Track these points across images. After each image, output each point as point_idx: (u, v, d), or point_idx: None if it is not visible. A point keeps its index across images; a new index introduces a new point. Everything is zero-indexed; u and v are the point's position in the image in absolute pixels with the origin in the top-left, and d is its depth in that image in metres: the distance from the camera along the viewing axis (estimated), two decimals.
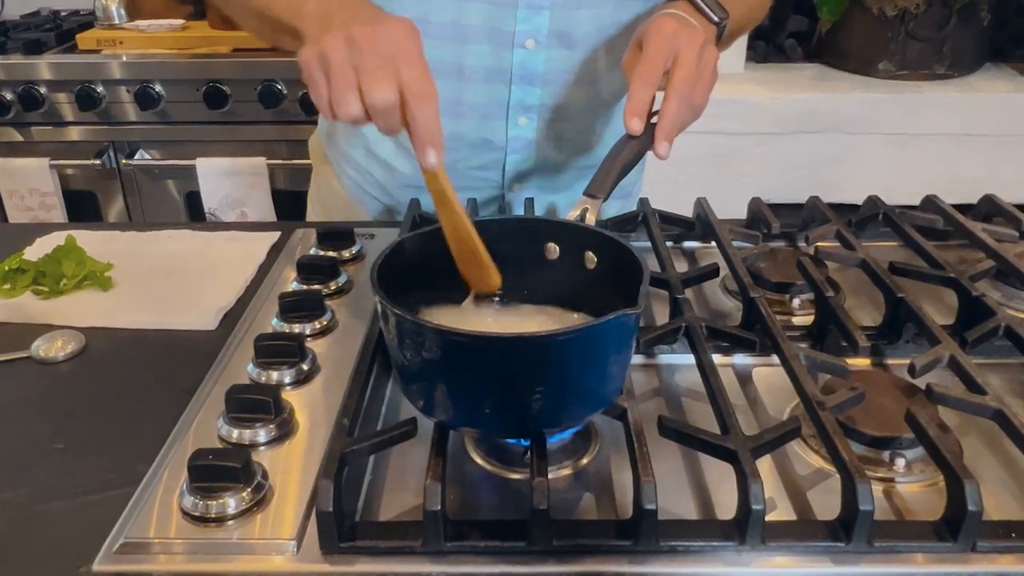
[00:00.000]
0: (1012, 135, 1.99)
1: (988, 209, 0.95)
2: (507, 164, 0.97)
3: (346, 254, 0.87)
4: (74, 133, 2.02)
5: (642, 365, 0.71)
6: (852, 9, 2.02)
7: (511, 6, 0.85)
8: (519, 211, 0.97)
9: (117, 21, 2.12)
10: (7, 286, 0.84)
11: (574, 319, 0.64)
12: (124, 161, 2.03)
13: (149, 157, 2.04)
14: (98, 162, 2.01)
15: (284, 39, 0.72)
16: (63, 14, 2.38)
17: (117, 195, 2.09)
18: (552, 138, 0.96)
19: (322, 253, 0.86)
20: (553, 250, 0.65)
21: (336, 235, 0.88)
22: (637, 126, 0.72)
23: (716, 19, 0.81)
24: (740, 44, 2.16)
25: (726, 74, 2.14)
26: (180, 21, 2.11)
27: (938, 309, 0.79)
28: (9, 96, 1.96)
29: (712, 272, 0.79)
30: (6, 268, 0.85)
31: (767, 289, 0.79)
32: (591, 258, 0.63)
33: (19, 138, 2.02)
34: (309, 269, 0.80)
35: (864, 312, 0.80)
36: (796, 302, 0.79)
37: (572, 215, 0.66)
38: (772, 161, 2.08)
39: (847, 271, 0.83)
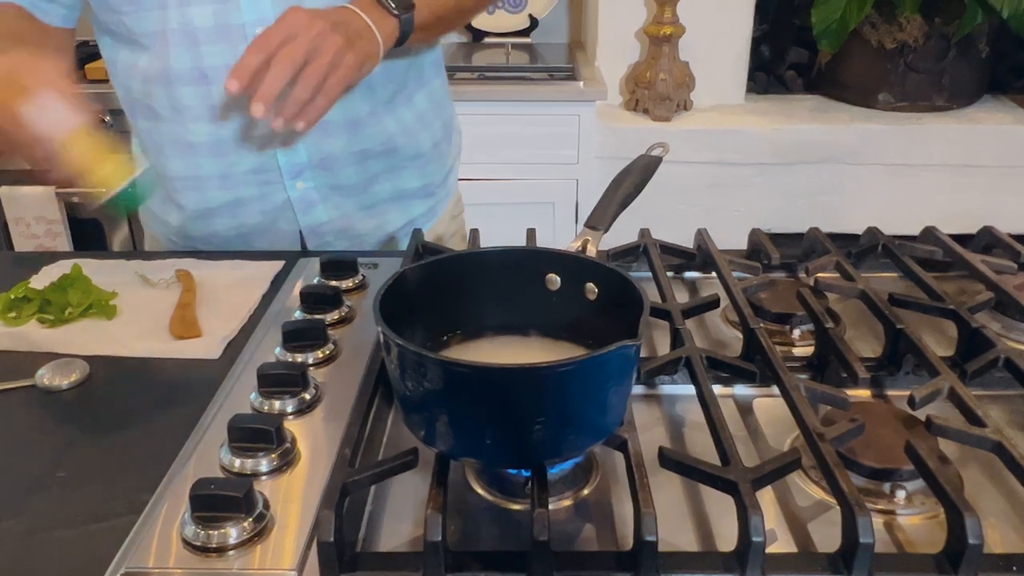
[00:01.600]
0: (1011, 166, 2.01)
1: (987, 240, 0.96)
2: (280, 160, 1.01)
3: (349, 283, 0.87)
4: None
5: (643, 395, 0.71)
6: (851, 42, 2.04)
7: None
8: (312, 216, 1.05)
9: None
10: (12, 314, 0.84)
11: (576, 351, 0.64)
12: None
13: None
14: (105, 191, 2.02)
15: None
16: None
17: (122, 223, 2.10)
18: (319, 126, 0.91)
19: (325, 282, 0.87)
20: (554, 281, 0.65)
21: (339, 265, 0.89)
22: (234, 87, 0.76)
23: (395, 12, 0.87)
24: (741, 75, 2.18)
25: (727, 105, 2.17)
26: None
27: (938, 340, 0.80)
28: None
29: (712, 303, 0.79)
30: (12, 296, 0.86)
31: (767, 320, 0.79)
32: (592, 289, 0.63)
33: (26, 166, 2.03)
34: (312, 298, 0.81)
35: (864, 343, 0.80)
36: (796, 333, 0.79)
37: (573, 246, 0.67)
38: (772, 191, 2.10)
39: (847, 302, 0.84)
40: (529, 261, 0.66)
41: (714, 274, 0.88)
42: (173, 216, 1.08)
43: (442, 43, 1.14)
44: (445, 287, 0.65)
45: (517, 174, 2.02)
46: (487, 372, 0.52)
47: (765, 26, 2.27)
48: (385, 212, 1.10)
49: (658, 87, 2.04)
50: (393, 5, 0.87)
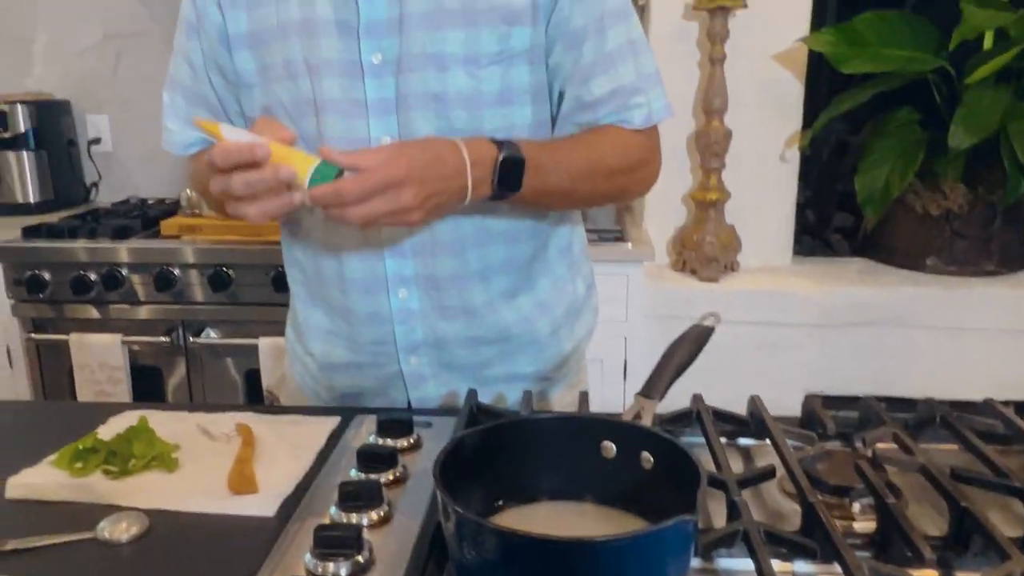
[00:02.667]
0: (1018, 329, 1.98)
1: None
2: (397, 335, 1.04)
3: (404, 443, 0.89)
4: (147, 312, 2.13)
5: (700, 570, 0.70)
6: (896, 207, 2.09)
7: None
8: (422, 390, 1.08)
9: (199, 210, 2.29)
10: (79, 464, 0.87)
11: (631, 520, 0.64)
12: (191, 339, 2.12)
13: (215, 336, 2.13)
14: (167, 339, 2.11)
15: None
16: (150, 202, 2.58)
17: (180, 371, 2.17)
18: (434, 308, 1.03)
19: (381, 442, 0.88)
20: (609, 448, 0.66)
21: (395, 424, 0.90)
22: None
23: (494, 188, 0.89)
24: (787, 238, 2.23)
25: (773, 266, 2.20)
26: None
27: (1006, 518, 0.77)
28: (93, 277, 2.10)
29: (768, 473, 0.78)
30: (80, 447, 0.89)
31: (825, 492, 0.78)
32: (647, 458, 0.64)
33: (96, 315, 2.13)
34: (369, 458, 0.82)
35: (928, 519, 0.78)
36: (856, 507, 0.78)
37: (628, 414, 0.68)
38: (822, 353, 2.08)
39: (908, 474, 0.82)
40: (585, 428, 0.67)
41: (768, 441, 0.87)
42: (308, 361, 1.15)
43: (580, 226, 1.18)
44: (502, 452, 0.66)
45: None
46: (546, 544, 0.52)
47: (809, 192, 2.34)
48: (494, 391, 1.09)
49: (705, 249, 2.09)
50: (498, 182, 0.89)
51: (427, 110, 0.95)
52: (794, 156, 2.15)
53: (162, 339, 2.11)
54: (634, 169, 1.04)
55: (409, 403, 1.10)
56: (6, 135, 2.45)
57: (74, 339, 2.10)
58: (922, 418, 0.93)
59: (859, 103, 1.97)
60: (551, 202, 1.02)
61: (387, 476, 0.81)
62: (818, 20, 2.11)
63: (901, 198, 2.08)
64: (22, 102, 2.47)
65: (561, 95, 1.00)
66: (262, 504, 0.81)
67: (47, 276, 2.11)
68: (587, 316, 1.18)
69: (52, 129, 2.56)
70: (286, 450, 0.92)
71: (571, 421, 0.66)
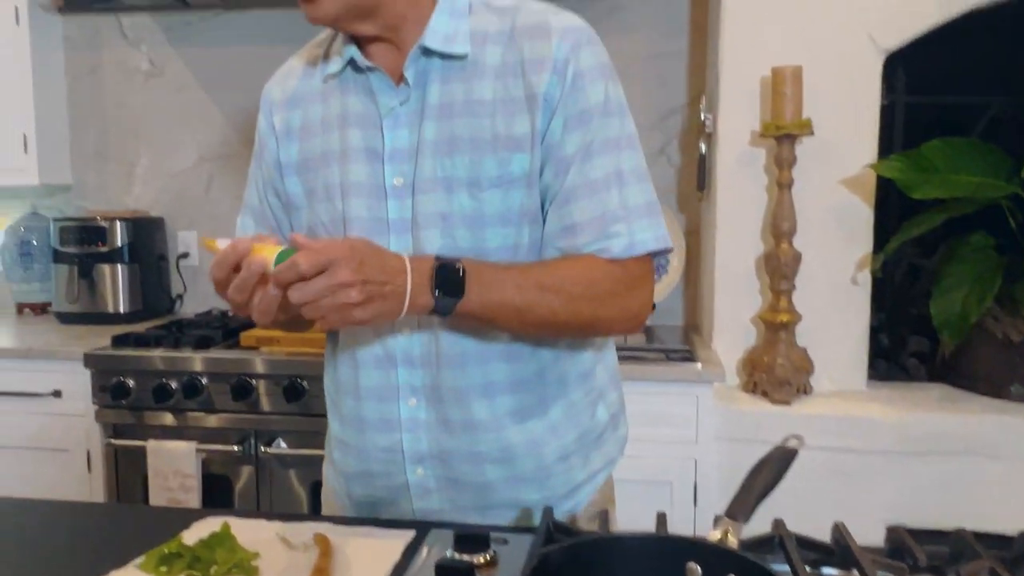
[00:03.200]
0: None
1: None
2: (404, 444, 1.08)
3: (481, 559, 0.88)
4: (222, 420, 2.18)
5: None
6: (975, 333, 2.04)
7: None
8: (427, 501, 1.09)
9: None
10: (164, 569, 0.89)
11: None
12: (263, 449, 2.15)
13: (285, 446, 2.16)
14: (239, 448, 2.15)
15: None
16: (230, 314, 2.68)
17: (249, 480, 2.19)
18: (439, 419, 1.07)
19: (458, 556, 0.88)
20: (695, 571, 0.65)
21: (472, 539, 0.90)
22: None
23: (435, 295, 0.93)
24: (861, 361, 2.19)
25: (848, 391, 2.15)
26: None
27: None
28: (174, 385, 2.17)
29: None
30: (165, 551, 0.91)
31: None
32: None
33: (174, 423, 2.19)
34: (447, 572, 0.82)
35: None
36: None
37: (713, 536, 0.67)
38: (903, 482, 2.01)
39: None
40: (670, 548, 0.66)
41: (856, 572, 0.84)
42: (331, 471, 1.21)
43: (608, 352, 1.18)
44: (584, 571, 0.65)
45: (634, 451, 2.01)
46: None
47: (883, 315, 2.31)
48: (500, 517, 1.09)
49: (776, 371, 2.07)
50: (438, 289, 0.93)
51: (436, 228, 1.02)
52: (865, 279, 2.14)
53: (235, 448, 2.15)
54: (602, 299, 1.01)
55: (414, 515, 1.11)
56: (104, 249, 2.61)
57: (151, 445, 2.16)
58: (1020, 553, 0.89)
59: (931, 228, 1.97)
60: (504, 320, 1.00)
61: None
62: (885, 146, 2.15)
63: (980, 323, 2.03)
64: (121, 219, 2.64)
65: (545, 216, 1.04)
66: None
67: (131, 383, 2.20)
68: (610, 447, 1.16)
69: (145, 244, 2.72)
70: (363, 562, 0.92)
71: (656, 541, 0.65)
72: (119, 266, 2.63)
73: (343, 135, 1.06)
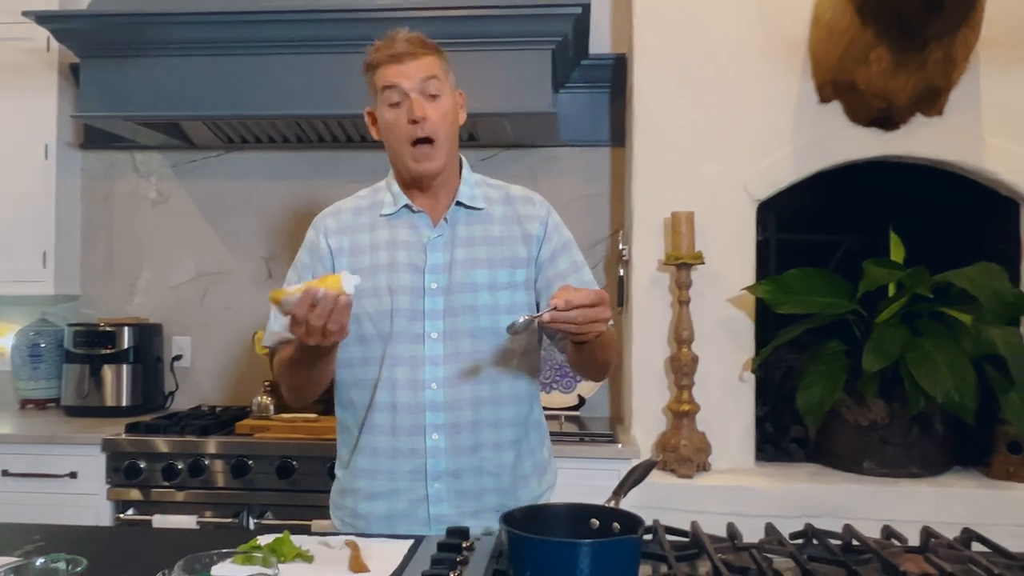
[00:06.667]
0: (977, 524, 2.40)
1: None
2: (428, 466, 1.55)
3: (466, 543, 1.33)
4: (220, 496, 2.56)
5: None
6: (835, 419, 2.59)
7: (420, 365, 1.54)
8: (440, 508, 1.57)
9: (268, 413, 2.80)
10: (256, 554, 1.31)
11: None
12: (255, 520, 2.54)
13: (272, 517, 2.55)
14: (234, 520, 2.53)
15: (306, 367, 1.49)
16: (218, 409, 3.08)
17: None
18: (456, 447, 1.55)
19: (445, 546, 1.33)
20: (594, 524, 1.13)
21: (455, 534, 1.35)
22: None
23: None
24: (749, 444, 2.71)
25: (740, 468, 2.66)
26: (314, 415, 2.77)
27: None
28: (180, 465, 2.56)
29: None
30: (247, 549, 1.34)
31: None
32: (616, 528, 1.11)
33: (179, 499, 2.57)
34: (444, 549, 1.27)
35: None
36: None
37: (607, 503, 1.16)
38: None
39: None
40: (580, 512, 1.15)
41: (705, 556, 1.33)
42: (348, 499, 1.62)
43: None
44: (533, 525, 1.12)
45: None
46: (548, 543, 0.98)
47: (766, 407, 2.85)
48: (490, 520, 1.56)
49: (681, 451, 2.57)
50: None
51: (464, 315, 1.56)
52: (750, 377, 2.69)
53: (231, 520, 2.53)
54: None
55: (429, 520, 1.56)
56: (111, 351, 3.02)
57: (157, 520, 2.52)
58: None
59: (794, 336, 2.54)
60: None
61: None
62: (762, 272, 2.74)
63: (839, 412, 2.59)
64: (129, 325, 3.06)
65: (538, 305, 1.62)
66: None
67: (142, 464, 2.58)
68: (550, 476, 1.72)
69: (146, 347, 3.13)
70: (383, 554, 1.37)
71: (572, 507, 1.13)
72: (124, 366, 3.04)
73: (392, 254, 1.59)
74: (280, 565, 1.30)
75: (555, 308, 1.29)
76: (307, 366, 1.51)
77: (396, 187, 1.63)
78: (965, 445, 2.68)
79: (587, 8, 2.61)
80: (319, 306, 1.32)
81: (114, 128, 3.00)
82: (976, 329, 2.39)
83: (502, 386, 1.58)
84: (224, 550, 1.06)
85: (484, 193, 1.65)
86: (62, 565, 1.13)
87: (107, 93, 2.73)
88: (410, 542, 1.44)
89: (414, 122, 1.52)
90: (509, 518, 1.08)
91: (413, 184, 1.62)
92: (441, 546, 1.34)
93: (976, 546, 1.40)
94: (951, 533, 1.48)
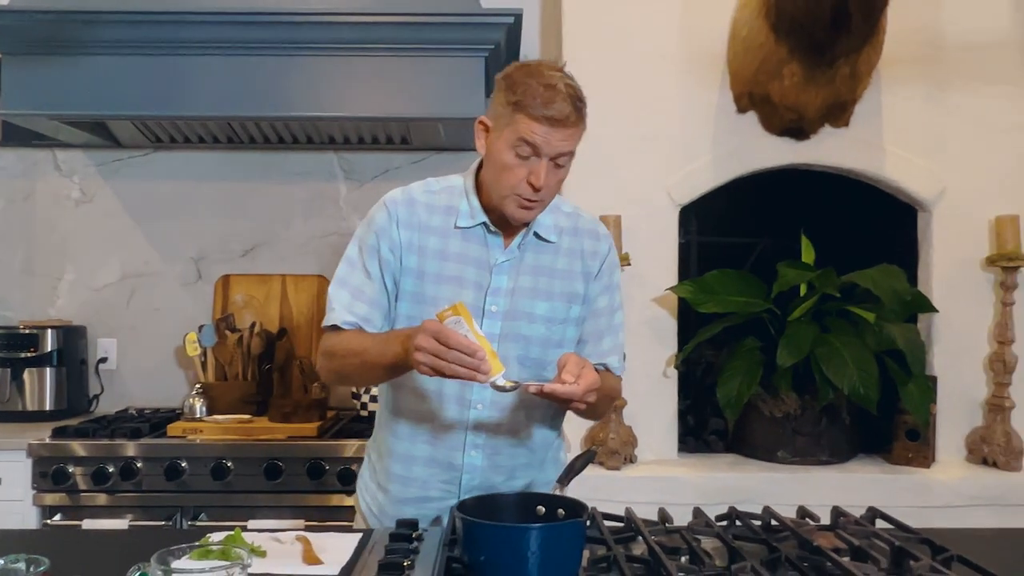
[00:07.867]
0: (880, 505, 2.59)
1: None
2: (463, 480, 1.61)
3: (415, 533, 1.40)
4: (153, 499, 2.55)
5: None
6: (751, 412, 2.75)
7: (470, 384, 1.52)
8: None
9: (199, 415, 2.79)
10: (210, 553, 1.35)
11: None
12: (188, 522, 2.53)
13: (207, 519, 2.55)
14: (168, 523, 2.52)
15: (382, 372, 1.52)
16: (146, 411, 3.05)
17: None
18: (491, 465, 1.60)
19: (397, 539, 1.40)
20: (540, 510, 1.22)
21: (406, 526, 1.42)
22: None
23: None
24: (672, 436, 2.84)
25: (664, 460, 2.80)
26: (247, 416, 2.78)
27: None
28: (111, 469, 2.53)
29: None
30: (201, 548, 1.37)
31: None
32: (561, 513, 1.20)
33: (110, 503, 2.54)
34: (395, 539, 1.34)
35: None
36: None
37: (553, 491, 1.24)
38: None
39: None
40: (526, 500, 1.23)
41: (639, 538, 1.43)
42: (380, 497, 1.67)
43: None
44: (486, 512, 1.20)
45: None
46: (500, 528, 1.06)
47: (688, 401, 3.00)
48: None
49: (609, 444, 2.68)
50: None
51: (516, 343, 1.59)
52: (673, 373, 2.83)
53: (165, 523, 2.52)
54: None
55: None
56: (34, 354, 2.95)
57: (86, 524, 2.49)
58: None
59: (714, 334, 2.69)
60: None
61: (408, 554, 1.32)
62: (684, 273, 2.88)
63: (755, 405, 2.75)
64: (51, 327, 3.00)
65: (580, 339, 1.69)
66: (328, 569, 1.31)
67: (70, 469, 2.54)
68: (562, 454, 1.81)
69: (70, 350, 3.06)
70: (332, 548, 1.42)
71: (520, 495, 1.22)
72: (48, 369, 2.97)
73: (460, 267, 1.58)
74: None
75: (542, 391, 1.39)
76: (386, 372, 1.53)
77: (476, 201, 1.60)
78: (869, 434, 2.88)
79: (519, 18, 2.70)
80: (458, 361, 1.34)
81: (36, 126, 2.93)
82: (878, 326, 2.59)
83: (539, 413, 1.64)
84: (193, 543, 1.10)
85: (555, 221, 1.64)
86: (22, 566, 1.15)
87: (31, 90, 2.67)
88: (359, 535, 1.50)
89: (532, 185, 1.49)
90: (463, 507, 1.16)
91: (498, 210, 1.58)
92: (393, 536, 1.40)
93: (880, 523, 1.54)
94: (858, 512, 1.63)
